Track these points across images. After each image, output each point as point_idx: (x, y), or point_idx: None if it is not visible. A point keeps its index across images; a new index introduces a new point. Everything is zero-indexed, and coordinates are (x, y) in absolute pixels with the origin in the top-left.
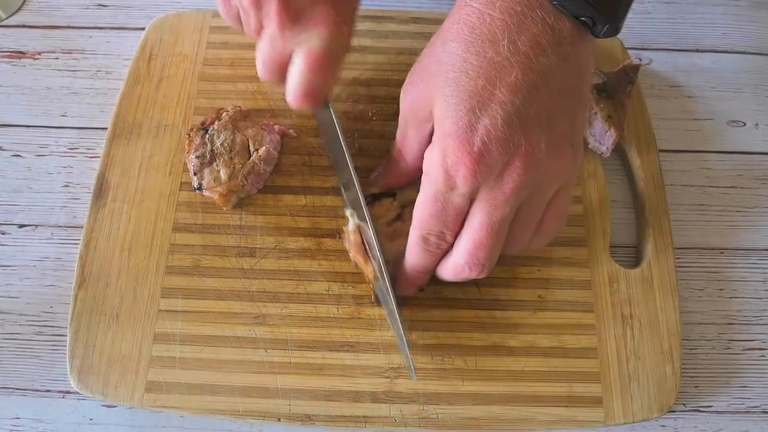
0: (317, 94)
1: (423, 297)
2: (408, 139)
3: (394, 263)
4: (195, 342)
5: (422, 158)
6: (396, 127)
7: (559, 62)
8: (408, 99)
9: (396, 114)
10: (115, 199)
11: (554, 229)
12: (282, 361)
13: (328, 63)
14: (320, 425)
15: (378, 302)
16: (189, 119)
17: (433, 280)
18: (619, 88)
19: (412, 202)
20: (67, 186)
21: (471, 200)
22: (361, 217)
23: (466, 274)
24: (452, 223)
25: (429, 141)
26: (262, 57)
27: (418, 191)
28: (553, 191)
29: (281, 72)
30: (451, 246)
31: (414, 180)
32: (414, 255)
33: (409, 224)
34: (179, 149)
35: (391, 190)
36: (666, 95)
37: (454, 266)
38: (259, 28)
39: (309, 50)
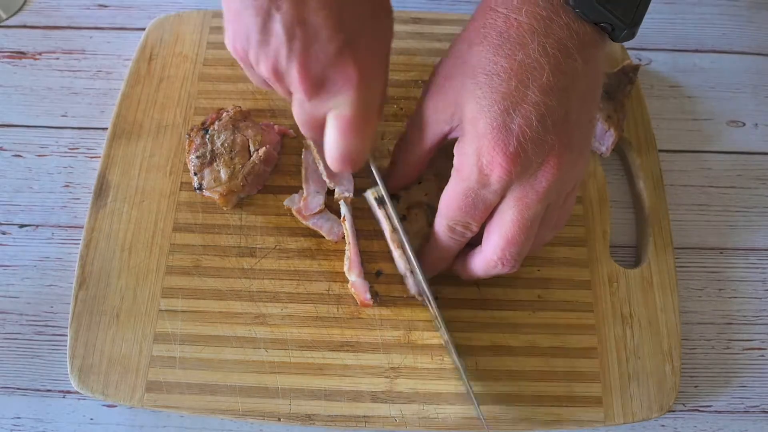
0: (354, 157)
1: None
2: (419, 139)
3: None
4: (195, 342)
5: (427, 159)
6: (396, 127)
7: (584, 65)
8: (431, 100)
9: (396, 114)
10: (116, 199)
11: (562, 225)
12: (282, 361)
13: (360, 126)
14: (320, 425)
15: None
16: (189, 119)
17: (434, 280)
18: (619, 88)
19: (417, 203)
20: (67, 186)
21: (502, 196)
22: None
23: (498, 270)
24: (480, 216)
25: (441, 143)
26: (297, 119)
27: (423, 192)
28: (569, 189)
29: (318, 131)
30: (475, 234)
31: (418, 181)
32: (439, 242)
33: (415, 225)
34: (179, 149)
35: (395, 192)
36: (666, 95)
37: (486, 261)
38: (289, 94)
39: (339, 117)
